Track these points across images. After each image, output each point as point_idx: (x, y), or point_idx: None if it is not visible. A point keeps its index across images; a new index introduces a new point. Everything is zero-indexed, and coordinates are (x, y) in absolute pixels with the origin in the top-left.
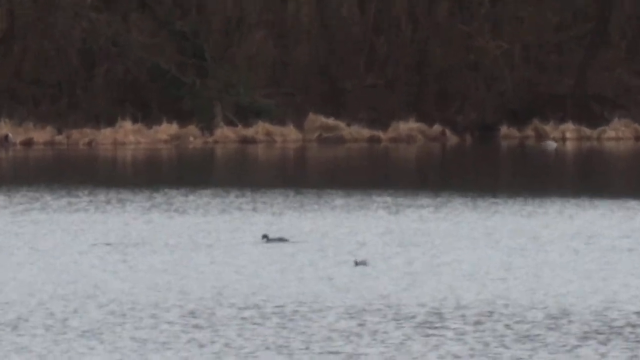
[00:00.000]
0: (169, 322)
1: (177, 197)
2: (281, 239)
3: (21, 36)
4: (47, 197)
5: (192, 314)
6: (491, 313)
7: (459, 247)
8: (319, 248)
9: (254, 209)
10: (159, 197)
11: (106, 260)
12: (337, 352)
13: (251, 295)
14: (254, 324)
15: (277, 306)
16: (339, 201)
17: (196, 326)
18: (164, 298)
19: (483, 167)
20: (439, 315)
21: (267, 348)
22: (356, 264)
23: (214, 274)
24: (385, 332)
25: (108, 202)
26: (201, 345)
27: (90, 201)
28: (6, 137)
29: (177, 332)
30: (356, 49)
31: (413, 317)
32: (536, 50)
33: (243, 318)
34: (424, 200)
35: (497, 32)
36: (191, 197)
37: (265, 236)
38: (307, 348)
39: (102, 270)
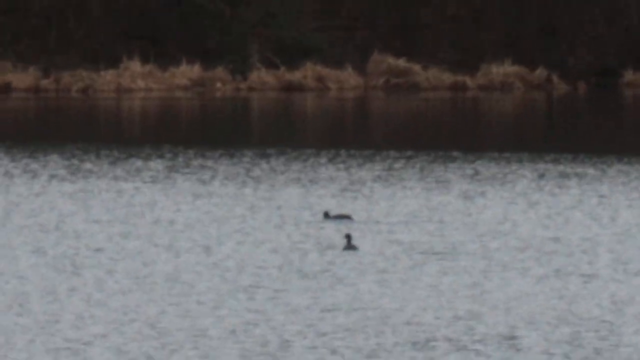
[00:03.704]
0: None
1: (201, 165)
2: (343, 216)
3: None
4: (32, 163)
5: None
6: None
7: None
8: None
9: (302, 181)
10: (177, 164)
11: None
12: None
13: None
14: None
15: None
16: (408, 173)
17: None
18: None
19: (602, 124)
20: None
21: None
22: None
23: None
24: None
25: (110, 170)
26: None
27: (89, 170)
28: None
29: None
30: None
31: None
32: None
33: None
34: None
35: None
36: (221, 164)
37: (326, 214)
38: None
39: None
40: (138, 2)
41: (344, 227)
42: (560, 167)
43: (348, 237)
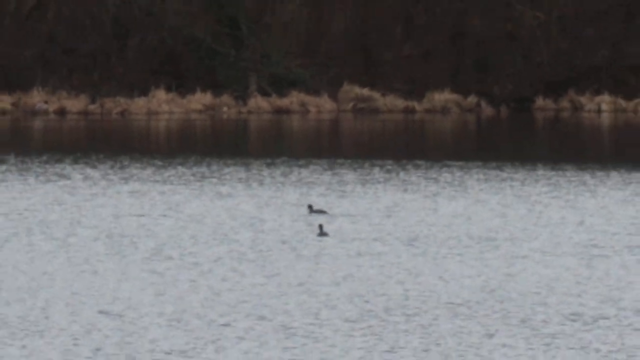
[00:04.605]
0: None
1: (218, 171)
2: (322, 211)
3: (55, 3)
4: (89, 171)
5: None
6: None
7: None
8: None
9: (287, 181)
10: (199, 170)
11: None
12: None
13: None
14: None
15: None
16: (375, 174)
17: None
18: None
19: (520, 139)
20: None
21: None
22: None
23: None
24: None
25: (152, 175)
26: None
27: (136, 175)
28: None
29: None
30: (393, 19)
31: None
32: (572, 21)
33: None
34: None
35: (536, 2)
36: (232, 170)
37: (310, 207)
38: None
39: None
40: (164, 46)
41: (321, 219)
42: (493, 172)
43: (320, 226)
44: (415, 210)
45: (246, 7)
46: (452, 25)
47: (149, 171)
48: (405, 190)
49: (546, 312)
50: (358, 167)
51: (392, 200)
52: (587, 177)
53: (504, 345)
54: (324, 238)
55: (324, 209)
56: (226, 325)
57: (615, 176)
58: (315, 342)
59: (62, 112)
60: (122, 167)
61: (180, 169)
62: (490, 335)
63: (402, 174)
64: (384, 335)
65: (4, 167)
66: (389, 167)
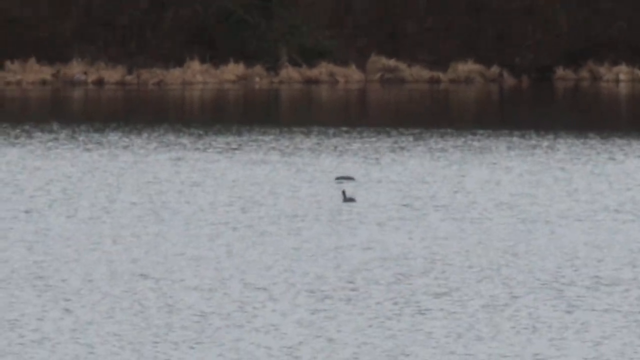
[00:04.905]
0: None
1: (255, 139)
2: (349, 178)
3: None
4: (130, 139)
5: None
6: None
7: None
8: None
9: (320, 150)
10: (235, 139)
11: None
12: None
13: None
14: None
15: None
16: (405, 142)
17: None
18: None
19: (541, 108)
20: None
21: None
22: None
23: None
24: None
25: (190, 144)
26: None
27: (178, 143)
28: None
29: None
30: None
31: None
32: None
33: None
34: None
35: None
36: (266, 138)
37: (338, 178)
38: None
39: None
40: (198, 18)
41: (348, 186)
42: (518, 140)
43: (343, 192)
44: (443, 177)
45: None
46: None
47: (186, 139)
48: (434, 158)
49: (570, 275)
50: (388, 135)
51: (421, 166)
52: (609, 145)
53: (528, 307)
54: (352, 204)
55: (351, 175)
56: (261, 288)
57: (636, 144)
58: (347, 305)
59: (100, 82)
60: (160, 135)
61: (216, 137)
62: (515, 298)
63: (431, 142)
64: (413, 299)
65: (48, 136)
66: (418, 134)
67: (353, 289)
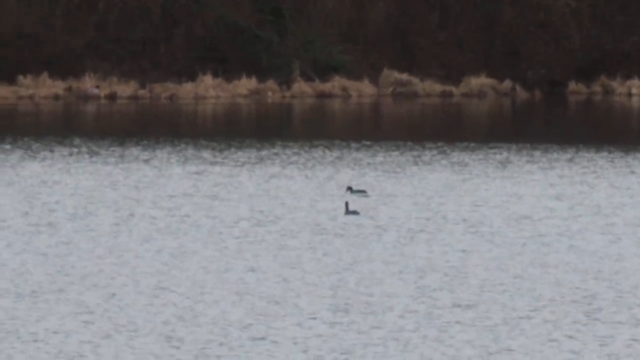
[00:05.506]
0: None
1: (271, 153)
2: (362, 192)
3: None
4: (146, 152)
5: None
6: None
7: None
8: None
9: (338, 163)
10: (250, 153)
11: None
12: None
13: None
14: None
15: None
16: (410, 156)
17: None
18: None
19: (553, 121)
20: None
21: None
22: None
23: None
24: None
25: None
26: None
27: (196, 155)
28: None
29: None
30: (429, 7)
31: None
32: (603, 8)
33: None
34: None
35: None
36: (281, 151)
37: (349, 188)
38: None
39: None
40: (210, 33)
41: (359, 201)
42: (538, 153)
43: (346, 203)
44: (465, 190)
45: None
46: (485, 13)
47: (205, 153)
48: (455, 171)
49: (592, 288)
50: (407, 148)
51: (443, 180)
52: (629, 159)
53: (549, 320)
54: (356, 216)
55: (364, 189)
56: (281, 301)
57: None
58: (367, 319)
59: (113, 96)
60: (178, 150)
61: (236, 151)
62: (537, 311)
63: (452, 155)
64: (435, 312)
65: (67, 150)
66: (438, 148)
67: (373, 302)
